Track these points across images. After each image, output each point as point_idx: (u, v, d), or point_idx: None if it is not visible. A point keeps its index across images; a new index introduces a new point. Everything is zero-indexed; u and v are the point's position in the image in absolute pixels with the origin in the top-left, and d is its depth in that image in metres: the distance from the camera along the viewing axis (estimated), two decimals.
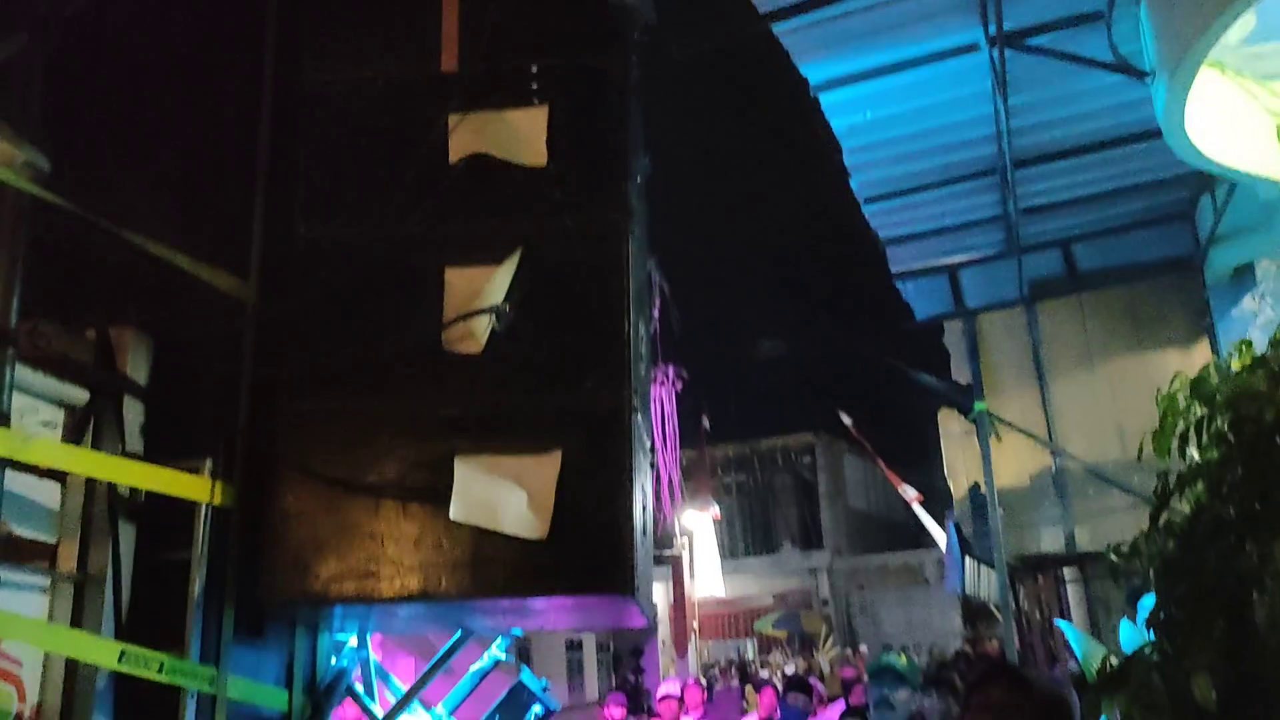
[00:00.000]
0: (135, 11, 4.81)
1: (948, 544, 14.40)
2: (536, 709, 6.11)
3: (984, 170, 9.97)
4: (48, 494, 4.02)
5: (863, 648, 29.43)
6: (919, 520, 22.12)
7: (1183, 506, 5.81)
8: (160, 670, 3.95)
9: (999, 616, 13.20)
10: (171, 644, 4.08)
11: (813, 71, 8.38)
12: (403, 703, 5.06)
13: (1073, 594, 14.02)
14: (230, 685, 4.20)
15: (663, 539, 21.89)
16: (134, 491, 4.16)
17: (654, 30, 5.41)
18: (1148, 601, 6.95)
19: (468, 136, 4.56)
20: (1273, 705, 3.92)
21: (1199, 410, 5.69)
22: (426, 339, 4.37)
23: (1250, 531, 4.84)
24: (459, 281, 4.42)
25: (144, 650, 3.93)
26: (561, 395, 4.33)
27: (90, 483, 4.06)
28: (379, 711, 5.10)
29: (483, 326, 4.34)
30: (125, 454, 4.15)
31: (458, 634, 5.25)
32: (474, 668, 5.90)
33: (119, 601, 4.08)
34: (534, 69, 4.65)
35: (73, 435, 4.08)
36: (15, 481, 3.81)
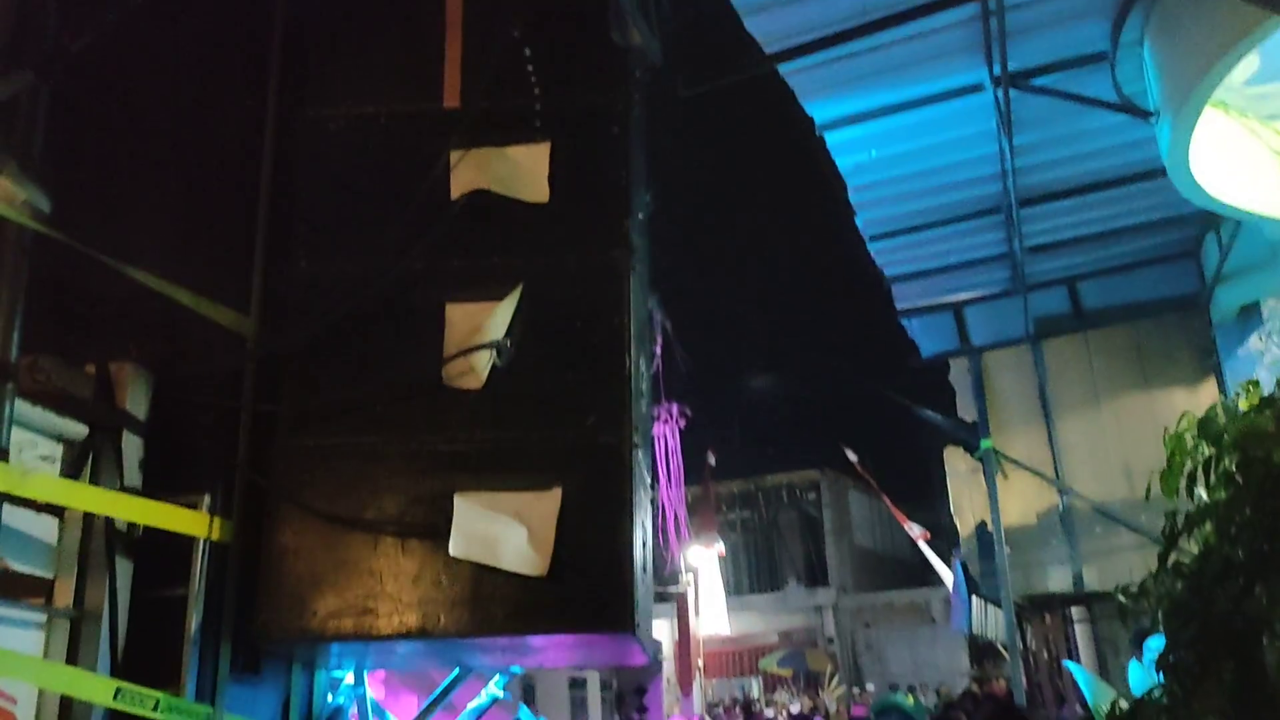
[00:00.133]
0: (138, 48, 4.84)
1: (954, 582, 14.30)
2: None
3: (989, 208, 9.98)
4: (45, 529, 3.99)
5: (869, 687, 29.15)
6: (925, 558, 21.97)
7: (1191, 547, 5.76)
8: (156, 708, 3.91)
9: (1006, 656, 13.08)
10: (167, 681, 4.04)
11: (818, 111, 8.42)
12: None
13: (1080, 634, 13.87)
14: None
15: (668, 576, 21.75)
16: (131, 527, 4.14)
17: (661, 70, 5.44)
18: (1154, 643, 6.87)
19: (469, 172, 4.57)
20: None
21: (1206, 450, 5.65)
22: (427, 374, 4.36)
23: (1259, 574, 4.78)
24: (460, 317, 4.42)
25: (140, 688, 3.89)
26: (562, 431, 4.32)
27: (88, 518, 4.04)
28: None
29: (483, 362, 4.33)
30: (123, 489, 4.13)
31: (456, 671, 5.20)
32: (471, 705, 5.83)
33: (115, 638, 4.04)
34: (536, 106, 4.66)
35: (71, 470, 4.06)
36: (13, 516, 3.79)
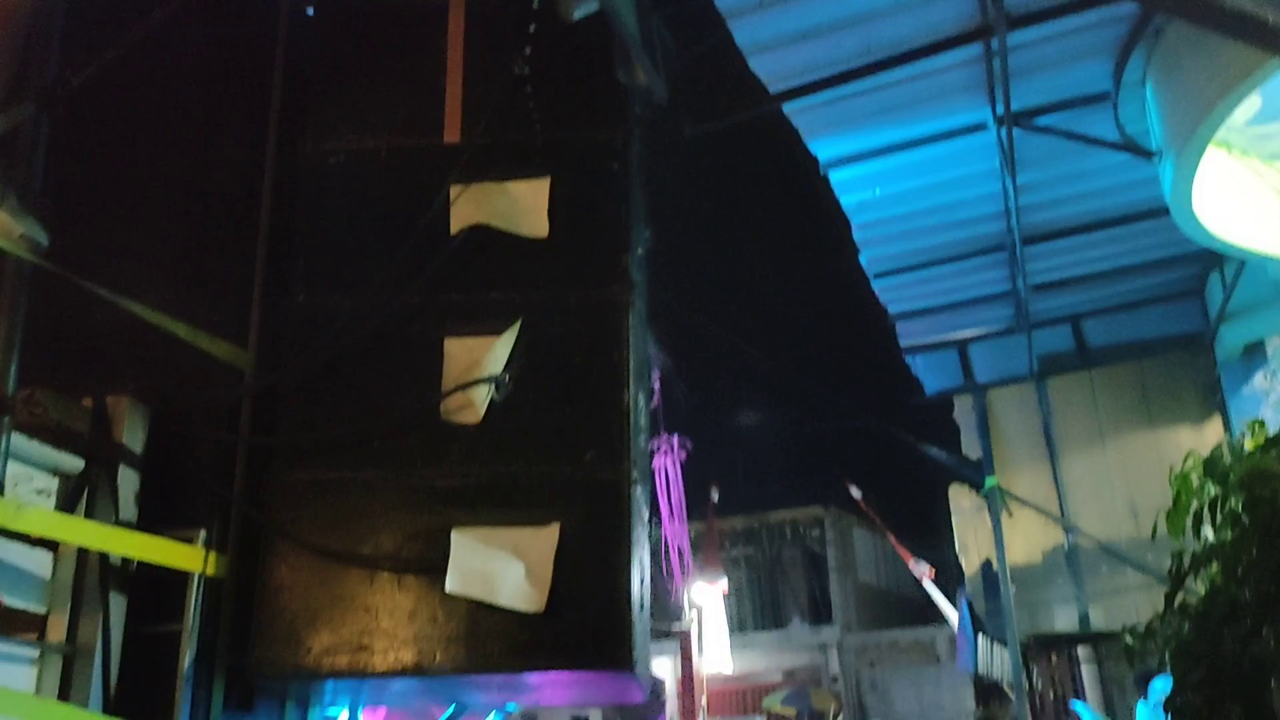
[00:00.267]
0: (139, 81, 4.87)
1: (960, 621, 14.18)
2: None
3: (993, 246, 9.98)
4: (39, 563, 3.97)
5: None
6: (930, 596, 21.81)
7: (1198, 587, 5.72)
8: None
9: (1012, 696, 12.93)
10: (160, 718, 4.00)
11: (822, 149, 8.45)
12: None
13: (1087, 674, 13.74)
14: None
15: (672, 613, 21.60)
16: (126, 561, 4.11)
17: (666, 109, 5.46)
18: (1159, 684, 6.79)
19: (469, 207, 4.58)
20: None
21: (1212, 490, 5.61)
22: (425, 409, 4.34)
23: (1267, 616, 4.74)
24: (458, 351, 4.41)
25: None
26: (561, 467, 4.30)
27: (82, 552, 4.02)
28: None
29: (482, 397, 4.32)
30: (119, 523, 4.11)
31: (452, 708, 5.14)
32: None
33: (107, 674, 4.00)
34: (537, 141, 4.68)
35: (67, 504, 4.04)
36: (6, 551, 3.78)
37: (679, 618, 22.53)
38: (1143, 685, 9.27)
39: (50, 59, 4.21)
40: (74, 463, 4.06)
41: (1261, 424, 5.77)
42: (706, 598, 24.42)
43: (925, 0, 6.82)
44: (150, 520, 4.21)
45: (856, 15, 6.91)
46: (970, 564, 13.49)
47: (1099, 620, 12.00)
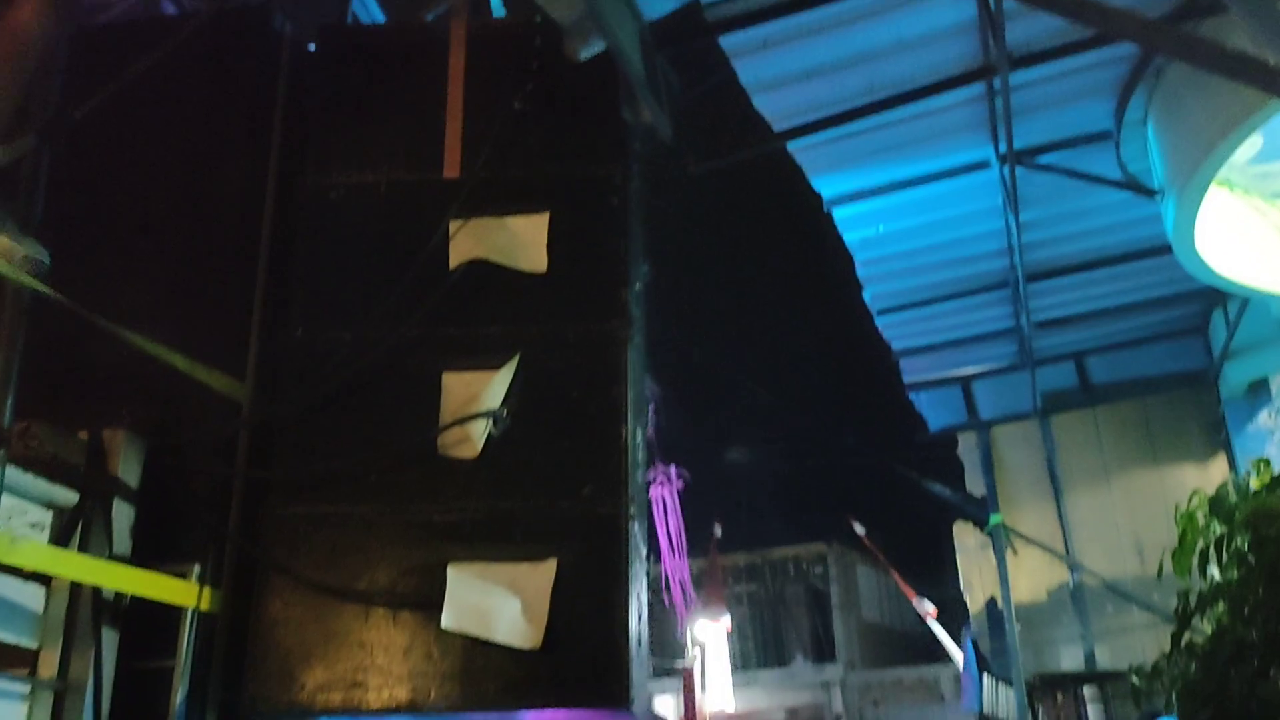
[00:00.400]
0: (141, 113, 4.88)
1: (965, 660, 14.05)
2: None
3: (996, 283, 9.99)
4: (32, 597, 3.93)
5: None
6: (935, 634, 21.64)
7: (1205, 627, 5.67)
8: None
9: None
10: None
11: (826, 186, 8.48)
12: None
13: (1093, 714, 13.59)
14: None
15: (674, 649, 21.44)
16: (119, 596, 4.07)
17: (671, 147, 5.48)
18: None
19: (468, 242, 4.58)
20: None
21: (1218, 529, 5.58)
22: (422, 443, 4.32)
23: (1274, 656, 4.69)
24: (456, 386, 4.40)
25: None
26: (558, 502, 4.27)
27: (75, 586, 3.97)
28: None
29: (479, 431, 4.30)
30: (113, 557, 4.07)
31: None
32: None
33: (99, 710, 3.95)
34: (536, 177, 4.69)
35: (61, 537, 4.00)
36: None
37: (681, 655, 22.35)
38: None
39: (53, 91, 4.23)
40: (69, 496, 4.03)
41: (1266, 463, 5.75)
42: (709, 634, 24.23)
43: (928, 40, 6.88)
44: (145, 554, 4.17)
45: (860, 55, 6.96)
46: (975, 602, 13.41)
47: (1105, 659, 11.91)
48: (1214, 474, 10.96)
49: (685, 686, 23.32)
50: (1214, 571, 5.59)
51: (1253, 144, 6.91)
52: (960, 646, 16.35)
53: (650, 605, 4.74)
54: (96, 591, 3.99)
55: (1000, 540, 11.98)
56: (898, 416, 13.61)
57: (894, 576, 23.36)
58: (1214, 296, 10.20)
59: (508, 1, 5.72)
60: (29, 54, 3.79)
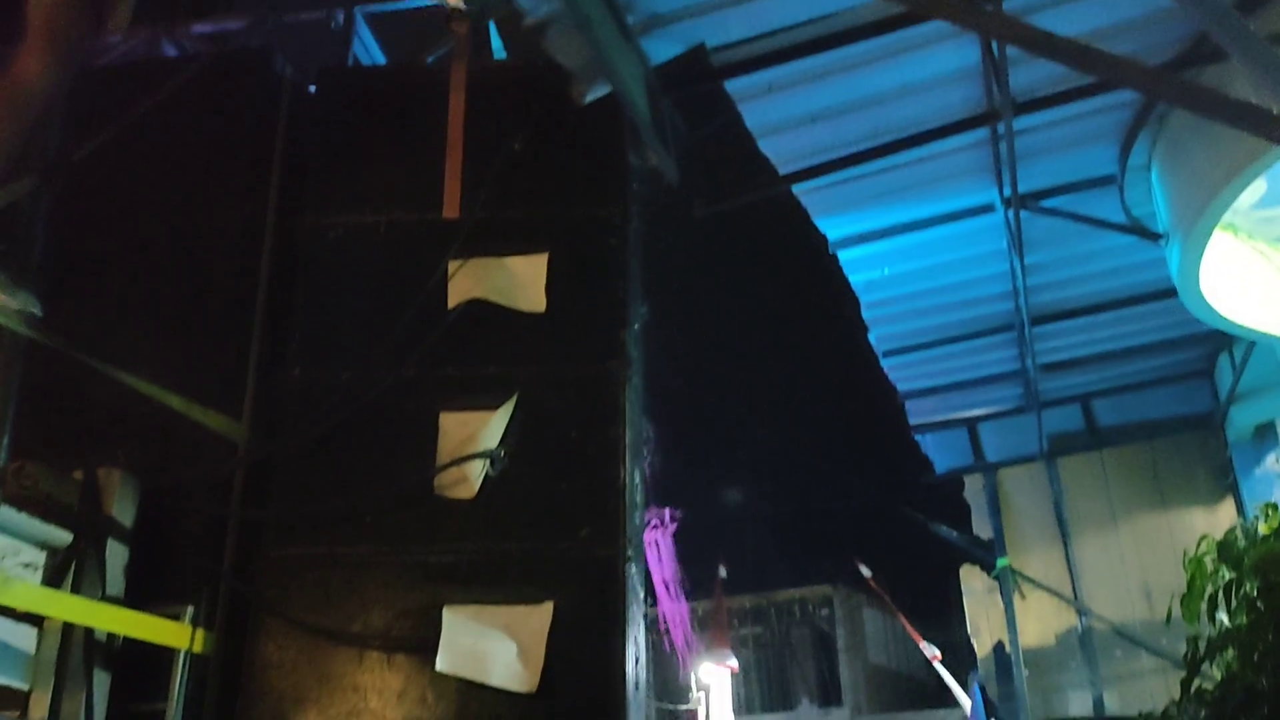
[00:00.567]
0: (139, 153, 4.90)
1: (972, 706, 13.90)
2: None
3: (1002, 326, 9.98)
4: (23, 639, 3.89)
5: None
6: (942, 678, 21.42)
7: (1214, 673, 5.60)
8: None
9: None
10: None
11: (831, 228, 8.49)
12: None
13: None
14: None
15: (678, 693, 21.24)
16: (111, 637, 4.04)
17: (677, 190, 5.49)
18: None
19: (467, 282, 4.59)
20: None
21: (1227, 574, 5.53)
22: (419, 484, 4.30)
23: None
24: (454, 426, 4.39)
25: None
26: (555, 543, 4.25)
27: (68, 627, 3.94)
28: None
29: (477, 472, 4.28)
30: (105, 598, 4.04)
31: None
32: None
33: None
34: (535, 217, 4.70)
35: (54, 578, 3.98)
36: None
37: (685, 698, 22.14)
38: None
39: (53, 135, 4.26)
40: (62, 536, 4.00)
41: (1275, 507, 5.70)
42: (714, 678, 24.02)
43: (932, 85, 6.90)
44: (138, 595, 4.14)
45: (865, 99, 6.99)
46: (982, 646, 13.29)
47: (1114, 705, 11.75)
48: (1222, 518, 10.87)
49: None
50: (1223, 617, 5.53)
51: (1256, 189, 6.92)
52: (968, 691, 16.19)
53: (650, 649, 4.70)
54: (89, 633, 3.96)
55: (1008, 584, 11.88)
56: (904, 458, 13.56)
57: (901, 620, 23.19)
58: (1220, 340, 10.17)
59: (509, 43, 5.75)
60: (32, 105, 3.80)
